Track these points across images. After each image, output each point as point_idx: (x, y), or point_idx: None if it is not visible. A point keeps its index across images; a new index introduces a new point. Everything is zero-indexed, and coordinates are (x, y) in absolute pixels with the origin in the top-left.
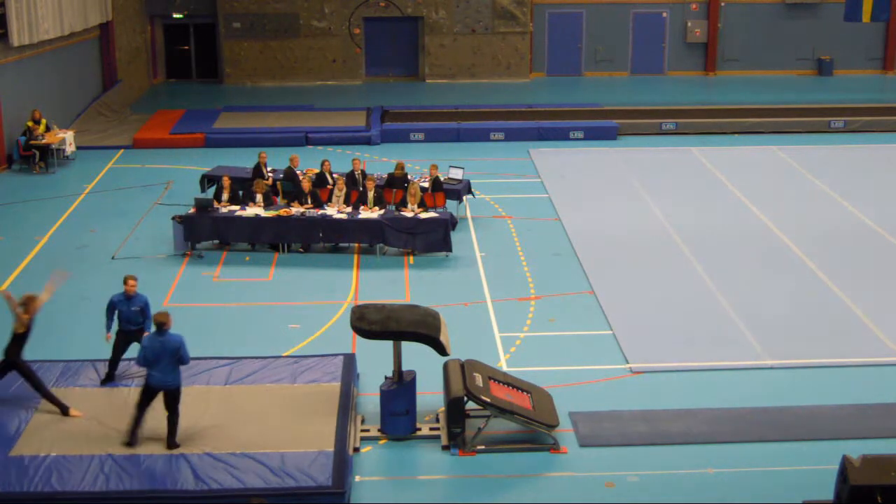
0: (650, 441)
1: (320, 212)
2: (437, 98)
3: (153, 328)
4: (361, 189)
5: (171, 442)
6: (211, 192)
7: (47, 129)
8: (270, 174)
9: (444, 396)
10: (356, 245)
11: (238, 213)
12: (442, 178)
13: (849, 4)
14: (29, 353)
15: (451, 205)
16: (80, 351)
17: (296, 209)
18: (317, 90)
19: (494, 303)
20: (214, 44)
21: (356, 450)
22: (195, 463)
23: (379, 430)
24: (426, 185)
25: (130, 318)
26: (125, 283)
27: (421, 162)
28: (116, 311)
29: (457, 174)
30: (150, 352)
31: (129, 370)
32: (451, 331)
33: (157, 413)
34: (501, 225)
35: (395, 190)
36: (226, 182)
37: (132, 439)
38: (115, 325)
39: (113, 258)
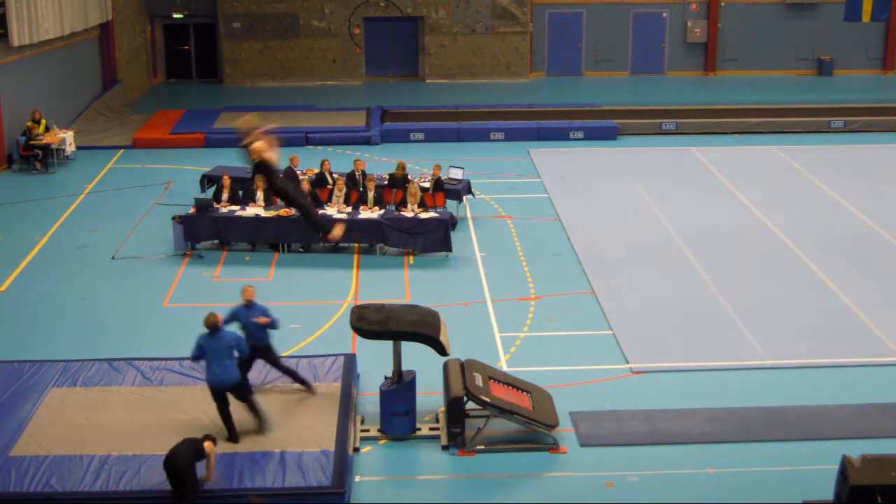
0: (650, 441)
1: (320, 212)
2: (437, 98)
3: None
4: (361, 189)
5: (262, 428)
6: (211, 192)
7: (47, 129)
8: None
9: (444, 396)
10: (356, 245)
11: (238, 213)
12: (442, 178)
13: (849, 4)
14: (27, 352)
15: (451, 205)
16: (80, 351)
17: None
18: (317, 90)
19: (494, 303)
20: (214, 44)
21: (356, 450)
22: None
23: (379, 430)
24: (427, 185)
25: (252, 330)
26: (244, 291)
27: (421, 162)
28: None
29: (457, 174)
30: (206, 350)
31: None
32: (451, 331)
33: (157, 413)
34: (501, 225)
35: (395, 190)
36: (226, 182)
37: (232, 436)
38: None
39: (113, 258)
